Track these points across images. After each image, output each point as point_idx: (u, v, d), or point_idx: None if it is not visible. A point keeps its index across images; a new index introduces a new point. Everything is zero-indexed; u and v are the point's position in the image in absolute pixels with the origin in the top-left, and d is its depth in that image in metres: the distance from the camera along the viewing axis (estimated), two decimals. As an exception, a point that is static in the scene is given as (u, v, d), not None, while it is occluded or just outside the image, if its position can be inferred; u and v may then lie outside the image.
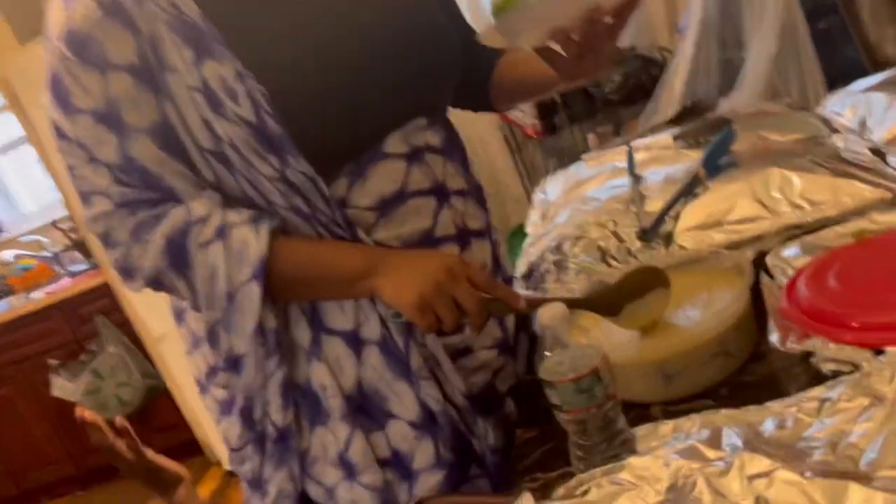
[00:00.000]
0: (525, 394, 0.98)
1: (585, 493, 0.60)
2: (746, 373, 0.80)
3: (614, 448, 0.70)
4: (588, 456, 0.71)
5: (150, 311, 2.76)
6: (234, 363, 0.84)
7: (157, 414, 3.18)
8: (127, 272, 0.83)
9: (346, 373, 0.84)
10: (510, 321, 0.97)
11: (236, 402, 0.86)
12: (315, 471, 0.86)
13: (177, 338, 3.00)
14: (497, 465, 0.87)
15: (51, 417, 3.25)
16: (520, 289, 1.11)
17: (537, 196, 1.49)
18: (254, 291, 0.79)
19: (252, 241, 0.79)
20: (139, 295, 2.75)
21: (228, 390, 0.88)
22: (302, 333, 0.84)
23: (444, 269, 0.77)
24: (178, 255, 0.80)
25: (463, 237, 0.90)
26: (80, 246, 3.24)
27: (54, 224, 3.43)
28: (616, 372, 0.74)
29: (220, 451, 2.97)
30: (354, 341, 0.84)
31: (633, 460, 0.60)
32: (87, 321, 3.06)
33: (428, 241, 0.87)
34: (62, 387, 2.98)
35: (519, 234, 2.58)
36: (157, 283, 0.83)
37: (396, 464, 0.85)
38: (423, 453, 0.85)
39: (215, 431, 2.98)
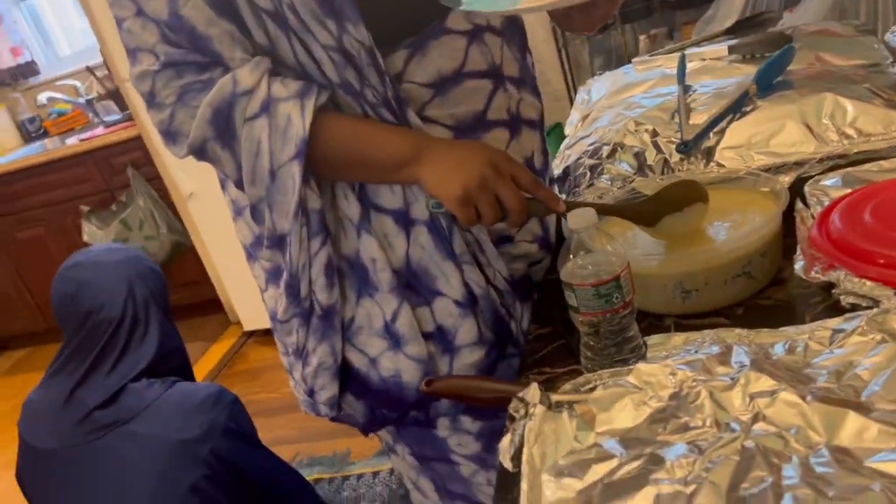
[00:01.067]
0: (545, 292, 1.00)
1: (591, 390, 0.63)
2: (765, 296, 0.81)
3: (624, 354, 0.72)
4: (597, 358, 0.73)
5: (180, 168, 2.79)
6: (278, 241, 0.85)
7: (181, 270, 3.27)
8: (171, 136, 0.82)
9: (396, 249, 0.86)
10: (551, 220, 0.99)
11: (282, 276, 0.88)
12: (359, 340, 0.89)
13: (205, 196, 3.06)
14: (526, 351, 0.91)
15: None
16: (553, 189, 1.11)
17: (580, 96, 1.45)
18: (295, 171, 0.78)
19: (297, 119, 0.77)
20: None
21: (273, 262, 0.90)
22: (351, 208, 0.85)
23: (490, 164, 0.76)
24: (223, 126, 0.79)
25: (515, 124, 0.90)
26: (115, 96, 3.23)
27: (89, 69, 3.41)
28: (636, 281, 0.76)
29: (240, 312, 3.09)
30: (404, 220, 0.85)
31: (640, 366, 0.62)
32: (120, 172, 3.10)
33: (480, 123, 0.87)
34: (92, 233, 3.06)
35: (555, 132, 2.54)
36: (201, 153, 0.82)
37: (440, 338, 0.88)
38: (465, 331, 0.88)
39: (236, 292, 3.07)
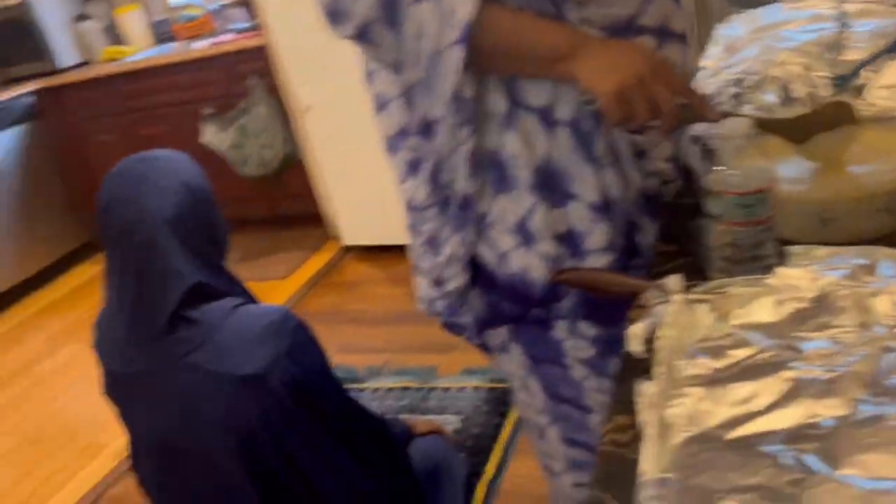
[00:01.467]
0: (672, 213, 1.01)
1: (729, 289, 0.65)
2: (909, 234, 0.80)
3: (758, 271, 0.73)
4: (731, 270, 0.75)
5: (301, 80, 2.88)
6: (426, 128, 0.89)
7: (290, 181, 3.40)
8: (337, 16, 0.85)
9: (538, 147, 0.88)
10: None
11: (424, 165, 0.92)
12: (491, 235, 0.93)
13: (322, 110, 3.15)
14: (652, 259, 0.93)
15: (196, 161, 3.53)
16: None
17: (719, 32, 1.42)
18: (457, 55, 0.80)
19: (462, 4, 0.79)
20: (293, 63, 2.86)
21: (416, 152, 0.95)
22: (497, 103, 0.87)
23: (648, 65, 0.77)
24: (390, 8, 0.81)
25: (663, 34, 0.90)
26: (245, 3, 3.33)
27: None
28: (776, 204, 0.76)
29: (341, 227, 3.20)
30: (548, 119, 0.87)
31: (783, 269, 0.64)
32: (242, 79, 3.21)
33: (630, 27, 0.87)
34: (211, 136, 3.20)
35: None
36: (364, 34, 0.84)
37: (570, 241, 0.91)
38: (596, 235, 0.90)
39: (339, 207, 3.18)
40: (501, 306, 0.99)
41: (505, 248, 0.93)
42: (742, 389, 0.54)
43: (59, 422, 2.55)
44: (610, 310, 0.95)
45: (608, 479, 0.63)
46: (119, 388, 1.32)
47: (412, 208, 0.99)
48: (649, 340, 0.64)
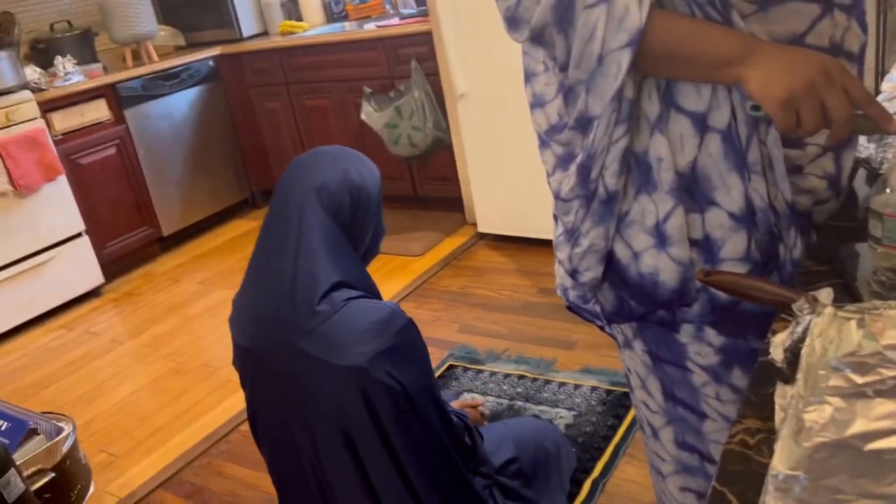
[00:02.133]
0: (823, 234, 1.00)
1: (884, 309, 0.65)
2: None
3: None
4: (886, 296, 0.74)
5: (459, 68, 2.97)
6: (583, 124, 0.92)
7: (435, 165, 3.52)
8: (514, 22, 0.91)
9: (685, 152, 0.89)
10: (847, 162, 0.96)
11: (576, 159, 0.96)
12: (628, 233, 0.95)
13: (476, 98, 3.24)
14: (793, 276, 0.92)
15: (352, 136, 3.73)
16: (862, 140, 1.07)
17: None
18: (624, 58, 0.83)
19: (634, 9, 0.81)
20: (454, 50, 2.96)
21: (568, 147, 0.99)
22: (651, 106, 0.89)
23: (822, 71, 0.75)
24: (564, 12, 0.85)
25: (834, 54, 0.88)
26: (417, -9, 3.47)
27: (397, -35, 3.67)
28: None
29: (478, 213, 3.28)
30: (700, 124, 0.88)
31: (946, 298, 0.63)
32: (403, 63, 3.36)
33: (796, 46, 0.86)
34: (369, 113, 3.37)
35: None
36: (538, 38, 0.90)
37: (705, 247, 0.92)
38: (734, 244, 0.91)
39: (479, 194, 3.26)
40: (628, 304, 1.01)
41: (639, 247, 0.95)
42: (885, 406, 0.55)
43: (203, 357, 2.79)
44: (739, 321, 0.96)
45: (731, 476, 0.66)
46: (242, 360, 1.44)
47: (558, 198, 1.03)
48: (791, 351, 0.65)
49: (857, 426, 0.54)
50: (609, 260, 0.99)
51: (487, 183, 3.18)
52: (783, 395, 0.57)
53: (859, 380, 0.58)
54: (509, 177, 3.06)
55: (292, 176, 1.41)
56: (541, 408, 2.12)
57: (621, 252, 0.97)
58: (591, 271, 1.01)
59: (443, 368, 2.41)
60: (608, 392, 2.11)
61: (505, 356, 2.42)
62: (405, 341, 1.33)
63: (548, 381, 2.23)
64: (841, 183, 0.97)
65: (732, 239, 0.91)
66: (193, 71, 3.91)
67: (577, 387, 2.17)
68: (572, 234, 1.02)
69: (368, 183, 1.43)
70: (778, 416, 0.56)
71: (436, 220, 3.60)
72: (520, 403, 2.16)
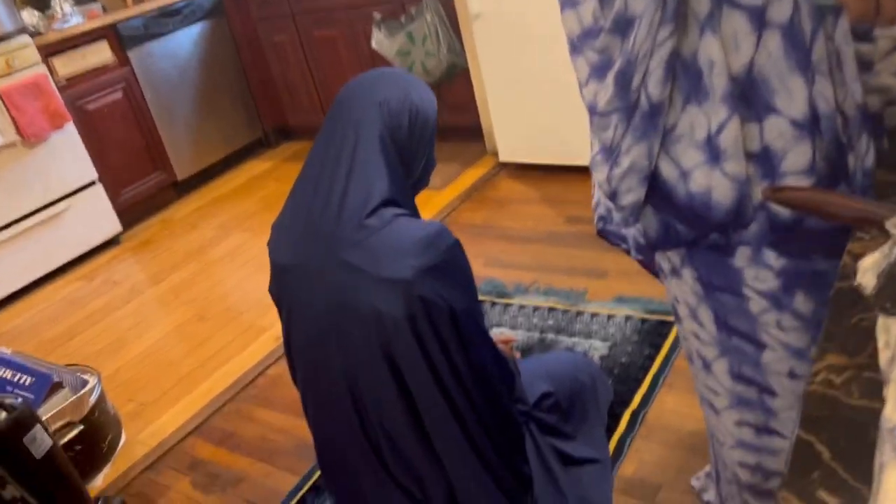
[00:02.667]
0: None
1: None
2: None
3: None
4: None
5: (473, -14, 2.80)
6: (623, 25, 0.82)
7: (451, 92, 3.37)
8: None
9: (741, 52, 0.79)
10: None
11: (613, 66, 0.85)
12: (675, 150, 0.86)
13: (491, 18, 3.07)
14: (865, 188, 0.82)
15: (363, 66, 3.58)
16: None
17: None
18: None
19: None
20: (467, -32, 2.78)
21: (604, 54, 0.88)
22: (701, 3, 0.79)
23: None
24: None
25: None
26: None
27: None
28: None
29: (499, 142, 3.15)
30: (758, 19, 0.77)
31: None
32: (413, -16, 3.19)
33: None
34: (379, 41, 3.22)
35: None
36: None
37: (764, 160, 0.82)
38: (796, 155, 0.81)
39: (500, 122, 3.13)
40: (676, 228, 0.92)
41: (689, 164, 0.85)
42: None
43: (225, 303, 2.75)
44: (803, 240, 0.86)
45: (817, 422, 0.57)
46: (282, 282, 1.38)
47: (594, 113, 0.92)
48: (888, 275, 0.56)
49: None
50: (653, 180, 0.90)
51: (508, 109, 3.04)
52: (887, 330, 0.48)
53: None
54: (531, 101, 2.91)
55: (353, 90, 1.36)
56: (574, 340, 2.05)
57: (667, 171, 0.87)
58: (633, 193, 0.91)
59: (470, 303, 2.34)
60: (643, 321, 2.03)
61: (533, 288, 2.34)
62: (452, 260, 1.29)
63: (579, 313, 2.15)
64: None
65: (795, 150, 0.81)
66: (195, 6, 3.75)
67: (610, 317, 2.09)
68: (611, 153, 0.92)
69: (429, 107, 1.38)
70: (883, 354, 0.47)
71: (455, 152, 3.48)
72: (551, 336, 2.09)
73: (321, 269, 1.30)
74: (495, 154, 3.26)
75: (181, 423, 2.14)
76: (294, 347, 1.44)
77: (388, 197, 1.28)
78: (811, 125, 0.80)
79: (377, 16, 3.23)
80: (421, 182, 1.43)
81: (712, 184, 0.84)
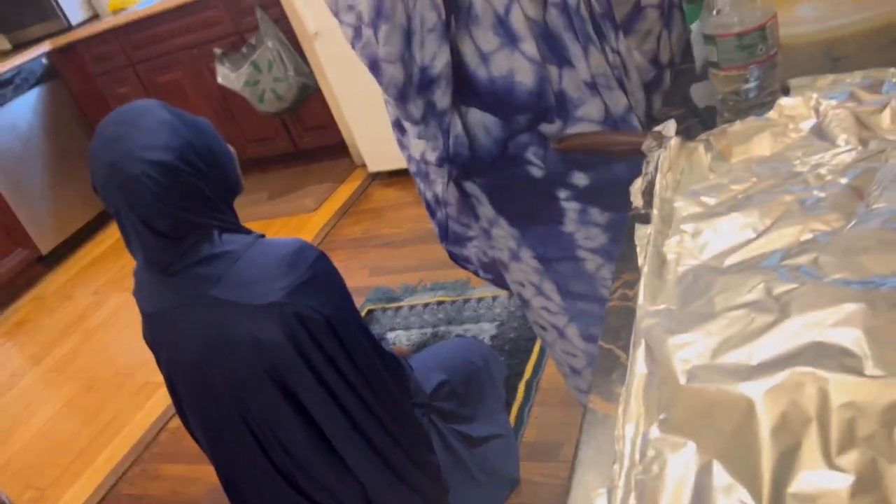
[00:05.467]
0: (679, 78, 0.99)
1: (728, 128, 0.63)
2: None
3: (765, 110, 0.70)
4: (736, 117, 0.72)
5: (305, 6, 2.82)
6: None
7: (309, 114, 3.38)
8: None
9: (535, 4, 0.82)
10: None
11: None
12: (476, 32, 0.85)
13: (330, 35, 3.09)
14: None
15: (215, 104, 3.54)
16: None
17: None
18: None
19: None
20: (296, -10, 2.81)
21: None
22: None
23: None
24: None
25: None
26: (242, -63, 3.26)
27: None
28: (782, 51, 0.73)
29: (365, 154, 3.19)
30: None
31: (781, 100, 0.61)
32: (248, 13, 3.17)
33: None
34: (225, 76, 3.18)
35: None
36: None
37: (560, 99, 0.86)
38: (589, 107, 0.87)
39: (362, 135, 3.15)
40: (486, 127, 0.92)
41: (488, 48, 0.85)
42: (740, 219, 0.53)
43: (114, 367, 2.65)
44: (617, 192, 0.94)
45: (618, 332, 0.63)
46: (154, 328, 1.35)
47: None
48: (648, 192, 0.63)
49: (714, 247, 0.52)
50: (456, 75, 0.88)
51: (366, 120, 3.08)
52: (642, 236, 0.55)
53: (712, 201, 0.56)
54: (385, 110, 2.97)
55: (110, 153, 1.18)
56: (465, 327, 2.11)
57: (469, 56, 0.87)
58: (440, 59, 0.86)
59: (362, 314, 2.36)
60: (524, 295, 2.12)
61: (420, 287, 2.39)
62: (320, 272, 1.29)
63: (466, 300, 2.21)
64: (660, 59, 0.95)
65: (588, 103, 0.87)
66: (27, 73, 3.59)
67: (494, 298, 2.16)
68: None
69: (183, 117, 1.26)
70: (639, 256, 0.54)
71: (324, 171, 3.49)
72: (443, 328, 2.14)
73: (190, 309, 1.27)
74: (364, 166, 3.29)
75: (85, 498, 2.05)
76: (179, 392, 1.41)
77: (217, 224, 1.25)
78: (594, 87, 0.87)
79: (218, 51, 3.20)
80: (234, 182, 1.34)
81: (513, 66, 0.85)
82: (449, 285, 2.32)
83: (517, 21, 0.82)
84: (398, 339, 2.18)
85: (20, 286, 3.54)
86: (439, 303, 2.26)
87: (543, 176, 0.92)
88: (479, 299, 2.19)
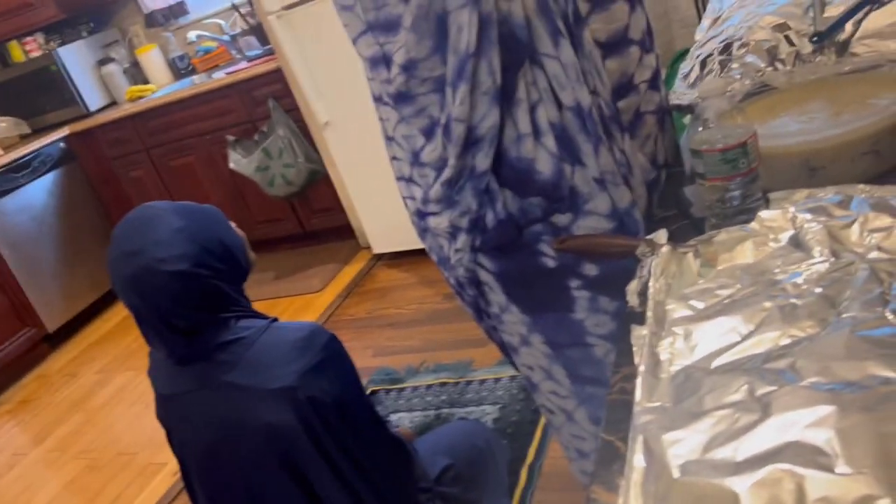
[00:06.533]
0: (671, 180, 1.06)
1: (714, 237, 0.69)
2: (894, 175, 0.83)
3: (749, 217, 0.77)
4: (723, 225, 0.79)
5: (317, 98, 2.96)
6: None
7: (317, 197, 3.49)
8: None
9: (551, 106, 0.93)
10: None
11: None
12: (515, 112, 0.93)
13: (340, 125, 3.23)
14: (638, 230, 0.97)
15: (226, 187, 3.65)
16: (682, 88, 1.15)
17: (711, 5, 1.46)
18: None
19: None
20: (308, 81, 2.95)
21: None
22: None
23: None
24: None
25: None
26: (257, 31, 3.44)
27: (234, 6, 3.64)
28: (763, 161, 0.80)
29: (370, 236, 3.27)
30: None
31: (761, 213, 0.68)
32: (261, 104, 3.32)
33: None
34: (237, 161, 3.31)
35: (682, 58, 2.50)
36: None
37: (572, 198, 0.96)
38: (597, 202, 0.96)
39: (367, 218, 3.25)
40: (503, 201, 0.98)
41: (523, 129, 0.93)
42: (726, 323, 0.58)
43: (117, 447, 2.65)
44: (627, 282, 1.00)
45: (618, 424, 0.68)
46: (168, 409, 1.38)
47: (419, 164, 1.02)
48: (642, 294, 0.69)
49: (703, 348, 0.57)
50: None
51: (372, 203, 3.18)
52: (638, 336, 0.60)
53: (701, 305, 0.62)
54: (391, 193, 3.04)
55: (128, 261, 1.26)
56: (467, 409, 2.13)
57: (507, 131, 0.94)
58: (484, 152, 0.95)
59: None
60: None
61: (423, 368, 2.42)
62: (331, 355, 1.33)
63: (469, 382, 2.24)
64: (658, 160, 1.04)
65: (597, 197, 0.95)
66: (45, 157, 3.73)
67: (497, 380, 2.20)
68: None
69: (194, 215, 1.32)
70: (636, 355, 0.59)
71: (330, 252, 3.57)
72: (446, 410, 2.16)
73: (205, 394, 1.30)
74: (369, 248, 3.37)
75: (85, 583, 2.03)
76: (191, 474, 1.44)
77: (234, 315, 1.29)
78: (602, 183, 0.95)
79: (230, 138, 3.34)
80: (246, 268, 1.39)
81: (537, 155, 0.94)
82: (452, 367, 2.36)
83: (542, 117, 0.91)
84: (401, 421, 2.20)
85: (25, 365, 3.56)
86: (442, 384, 2.29)
87: (555, 266, 0.99)
88: (482, 381, 2.22)
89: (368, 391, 2.40)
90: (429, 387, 2.31)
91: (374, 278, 3.23)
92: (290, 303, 3.25)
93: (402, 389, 2.35)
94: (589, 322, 1.04)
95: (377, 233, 3.25)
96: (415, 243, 3.16)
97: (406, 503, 1.46)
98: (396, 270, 3.21)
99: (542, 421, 1.96)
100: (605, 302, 1.02)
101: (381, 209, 3.16)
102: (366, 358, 2.63)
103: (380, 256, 3.35)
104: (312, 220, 3.63)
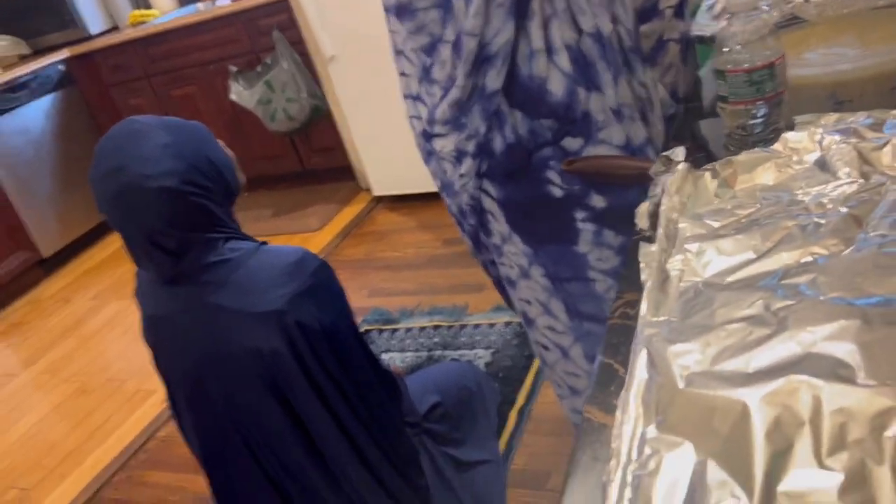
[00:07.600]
0: (687, 114, 1.02)
1: (734, 158, 0.65)
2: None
3: (770, 145, 0.73)
4: (740, 152, 0.75)
5: (323, 30, 2.88)
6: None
7: (318, 135, 3.43)
8: None
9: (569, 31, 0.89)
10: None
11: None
12: (529, 25, 0.88)
13: (346, 60, 3.14)
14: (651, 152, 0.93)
15: (225, 119, 3.59)
16: (706, 20, 1.09)
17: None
18: None
19: None
20: (314, 14, 2.87)
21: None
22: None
23: None
24: None
25: None
26: (265, -41, 3.33)
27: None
28: (788, 92, 0.76)
29: (371, 178, 3.22)
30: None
31: (787, 134, 0.64)
32: (265, 34, 3.23)
33: None
34: (238, 93, 3.24)
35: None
36: None
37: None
38: (610, 132, 0.92)
39: (369, 159, 3.20)
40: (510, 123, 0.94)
41: (537, 45, 0.89)
42: (742, 240, 0.55)
43: (107, 373, 2.65)
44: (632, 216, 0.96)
45: (617, 347, 0.65)
46: (155, 329, 1.36)
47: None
48: (653, 214, 0.65)
49: (716, 265, 0.54)
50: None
51: (374, 145, 3.12)
52: (646, 254, 0.57)
53: (716, 224, 0.58)
54: (395, 134, 3.00)
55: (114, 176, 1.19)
56: (459, 352, 2.11)
57: (520, 47, 0.90)
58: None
59: (357, 334, 2.37)
60: (520, 325, 2.13)
61: (418, 311, 2.40)
62: (322, 281, 1.30)
63: (463, 326, 2.23)
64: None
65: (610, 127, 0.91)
66: (43, 78, 3.64)
67: (491, 325, 2.18)
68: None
69: (181, 128, 1.25)
70: (643, 272, 0.55)
71: (329, 192, 3.52)
72: (438, 353, 2.15)
73: (192, 314, 1.28)
74: (369, 190, 3.33)
75: (69, 500, 2.04)
76: (176, 395, 1.42)
77: (223, 235, 1.26)
78: (619, 114, 0.91)
79: (233, 68, 3.26)
80: (235, 188, 1.35)
81: (549, 74, 0.89)
82: (446, 310, 2.33)
83: (555, 33, 0.86)
84: (392, 360, 2.18)
85: (19, 288, 3.54)
86: (436, 327, 2.27)
87: (562, 196, 0.95)
88: (476, 326, 2.20)
89: (362, 331, 2.38)
90: (422, 329, 2.29)
91: (372, 221, 3.19)
92: (287, 240, 3.21)
93: (395, 330, 2.33)
94: (592, 256, 1.01)
95: (378, 175, 3.20)
96: (415, 187, 3.11)
97: (392, 435, 1.45)
98: (396, 214, 3.17)
99: (534, 366, 1.94)
100: (610, 236, 0.99)
101: (383, 151, 3.10)
102: (361, 298, 2.61)
103: (380, 199, 3.31)
104: (313, 158, 3.57)
